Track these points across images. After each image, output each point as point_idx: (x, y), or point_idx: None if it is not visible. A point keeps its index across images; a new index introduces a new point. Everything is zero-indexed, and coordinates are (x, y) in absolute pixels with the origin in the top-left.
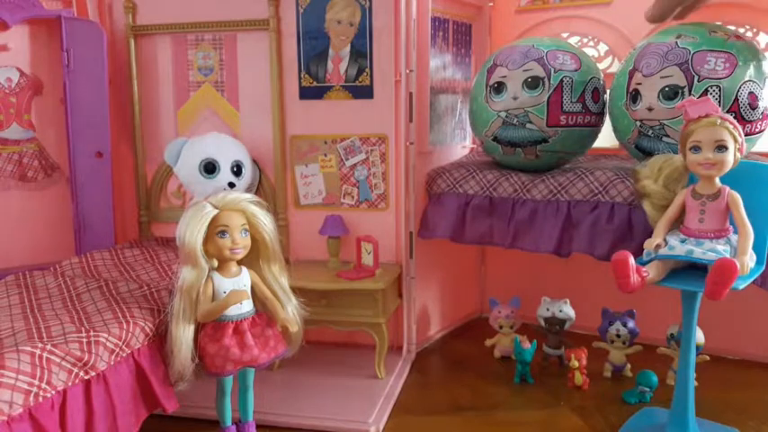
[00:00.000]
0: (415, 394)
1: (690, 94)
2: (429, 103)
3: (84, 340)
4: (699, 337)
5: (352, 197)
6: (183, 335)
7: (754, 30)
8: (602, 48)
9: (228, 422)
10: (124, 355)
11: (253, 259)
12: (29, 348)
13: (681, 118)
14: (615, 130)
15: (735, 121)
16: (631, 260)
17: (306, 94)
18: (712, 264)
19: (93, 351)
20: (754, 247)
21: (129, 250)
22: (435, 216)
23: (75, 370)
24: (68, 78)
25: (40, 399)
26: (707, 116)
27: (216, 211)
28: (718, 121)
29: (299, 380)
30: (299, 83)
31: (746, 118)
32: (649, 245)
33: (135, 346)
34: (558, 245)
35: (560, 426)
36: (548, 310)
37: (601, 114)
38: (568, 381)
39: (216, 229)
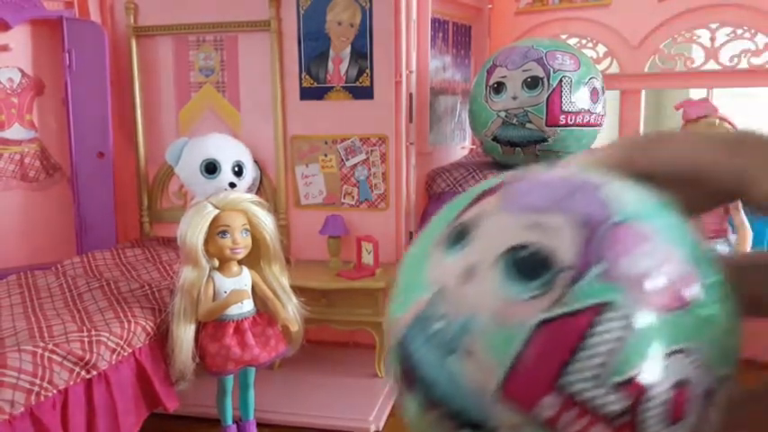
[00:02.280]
0: None
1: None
2: (429, 103)
3: (86, 339)
4: None
5: (353, 197)
6: (184, 334)
7: (752, 31)
8: (601, 49)
9: (229, 421)
10: (125, 354)
11: (253, 259)
12: (30, 348)
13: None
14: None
15: (734, 122)
16: None
17: (306, 94)
18: None
19: (95, 350)
20: (753, 247)
21: (131, 250)
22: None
23: (77, 369)
24: (70, 79)
25: (42, 398)
26: (705, 116)
27: (217, 212)
28: (717, 121)
29: (300, 379)
30: (300, 84)
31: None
32: None
33: (136, 345)
34: None
35: None
36: None
37: (600, 114)
38: None
39: (217, 229)
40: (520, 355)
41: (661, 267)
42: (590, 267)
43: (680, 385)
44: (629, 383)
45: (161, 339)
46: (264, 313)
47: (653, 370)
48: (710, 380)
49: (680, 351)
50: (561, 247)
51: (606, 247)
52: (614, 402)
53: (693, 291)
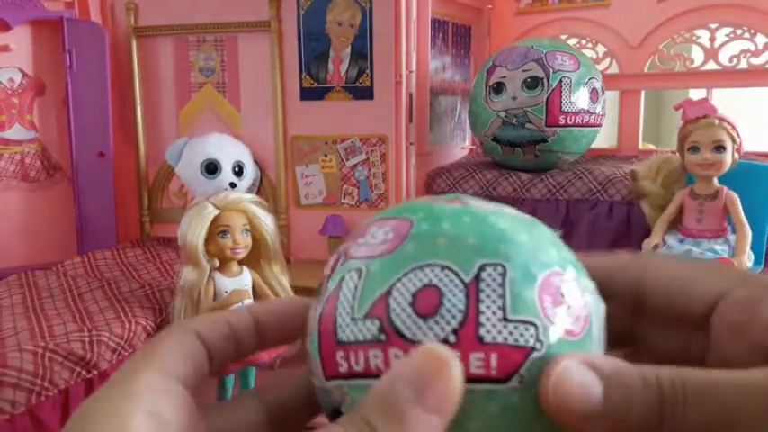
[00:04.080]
0: None
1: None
2: (429, 103)
3: (87, 339)
4: None
5: (353, 197)
6: None
7: (752, 31)
8: (601, 49)
9: None
10: (126, 353)
11: (253, 259)
12: (31, 347)
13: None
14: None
15: (733, 122)
16: None
17: (306, 95)
18: None
19: (96, 350)
20: (752, 247)
21: (131, 250)
22: None
23: (78, 369)
24: (70, 79)
25: (43, 397)
26: (705, 117)
27: (217, 212)
28: (716, 121)
29: None
30: (300, 84)
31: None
32: (648, 245)
33: (137, 345)
34: None
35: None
36: None
37: (599, 114)
38: None
39: (217, 230)
40: (320, 346)
41: (366, 235)
42: (336, 266)
43: (426, 288)
44: (374, 308)
45: None
46: None
47: (389, 291)
48: (470, 273)
49: (420, 267)
50: (329, 265)
51: (344, 249)
52: (371, 326)
53: (404, 231)
